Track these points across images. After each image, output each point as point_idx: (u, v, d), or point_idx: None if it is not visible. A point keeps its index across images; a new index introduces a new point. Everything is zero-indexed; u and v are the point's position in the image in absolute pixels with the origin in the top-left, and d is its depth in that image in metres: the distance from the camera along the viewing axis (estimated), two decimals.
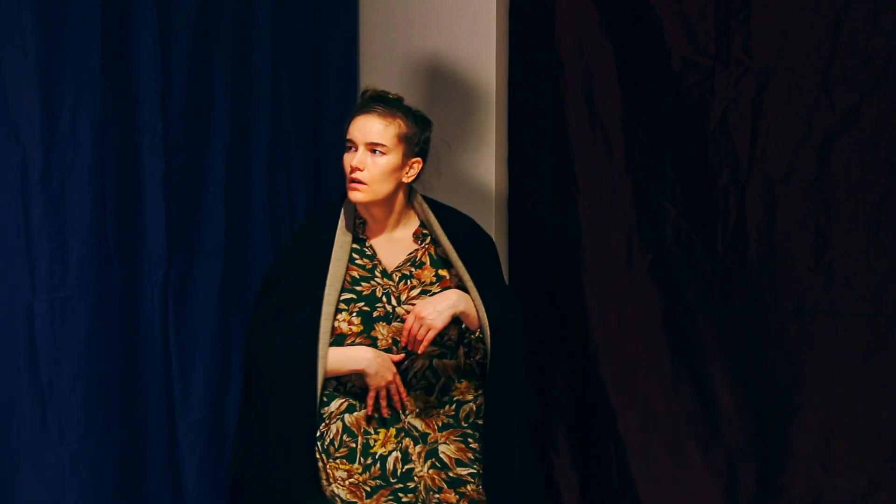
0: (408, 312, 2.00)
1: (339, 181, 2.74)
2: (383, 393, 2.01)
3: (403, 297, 2.04)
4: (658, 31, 2.20)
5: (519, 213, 2.52)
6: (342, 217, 2.06)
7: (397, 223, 2.08)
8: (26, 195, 1.90)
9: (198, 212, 2.28)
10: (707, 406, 2.22)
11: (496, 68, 2.45)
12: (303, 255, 2.07)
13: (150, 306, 2.18)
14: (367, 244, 2.07)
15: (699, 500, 2.22)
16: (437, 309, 1.95)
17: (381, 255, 2.06)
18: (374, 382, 1.99)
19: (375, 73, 2.71)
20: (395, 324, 2.02)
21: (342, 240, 2.04)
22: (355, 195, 1.99)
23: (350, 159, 2.01)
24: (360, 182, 1.97)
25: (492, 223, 2.46)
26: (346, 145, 2.03)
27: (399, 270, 2.06)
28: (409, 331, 1.94)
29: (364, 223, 2.08)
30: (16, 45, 1.87)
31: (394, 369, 2.00)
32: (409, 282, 2.06)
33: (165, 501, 2.26)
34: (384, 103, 2.01)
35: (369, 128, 1.98)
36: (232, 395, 2.40)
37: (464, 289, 2.03)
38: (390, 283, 2.05)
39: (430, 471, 2.04)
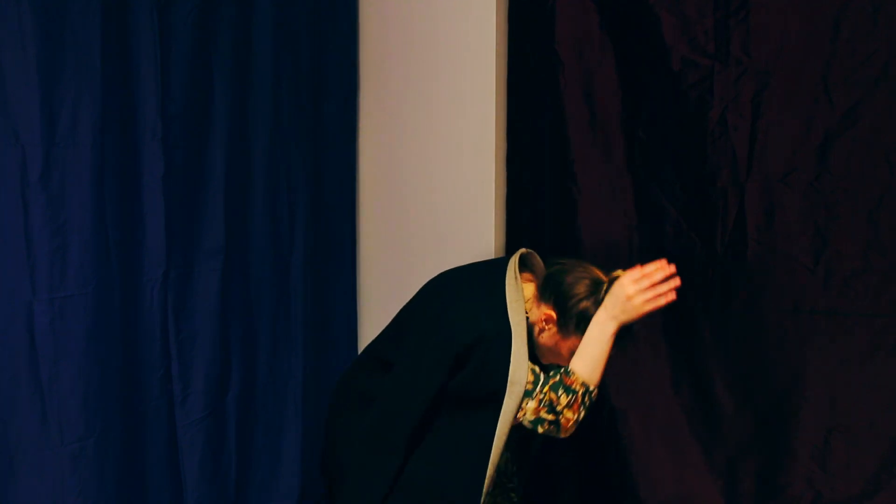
0: None
1: (338, 182, 2.75)
2: (652, 304, 1.89)
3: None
4: (657, 31, 2.20)
5: (519, 213, 2.51)
6: (515, 298, 1.95)
7: None
8: (26, 195, 1.91)
9: (197, 212, 2.28)
10: (707, 406, 2.22)
11: (496, 68, 2.45)
12: None
13: (150, 306, 2.18)
14: None
15: (699, 500, 2.21)
16: None
17: None
18: (634, 315, 1.89)
19: (375, 73, 2.71)
20: None
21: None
22: None
23: None
24: None
25: (492, 223, 2.46)
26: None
27: None
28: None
29: None
30: (16, 45, 1.87)
31: (624, 283, 1.88)
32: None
33: (165, 501, 2.26)
34: None
35: None
36: (232, 395, 2.40)
37: None
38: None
39: None
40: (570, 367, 1.89)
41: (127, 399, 2.14)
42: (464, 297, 1.96)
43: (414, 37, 2.59)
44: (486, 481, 1.87)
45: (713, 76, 2.14)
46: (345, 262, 2.78)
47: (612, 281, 1.91)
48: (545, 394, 1.86)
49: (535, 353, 1.98)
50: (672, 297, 1.89)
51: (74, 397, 2.00)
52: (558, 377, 1.88)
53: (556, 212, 2.39)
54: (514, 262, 1.99)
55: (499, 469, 2.08)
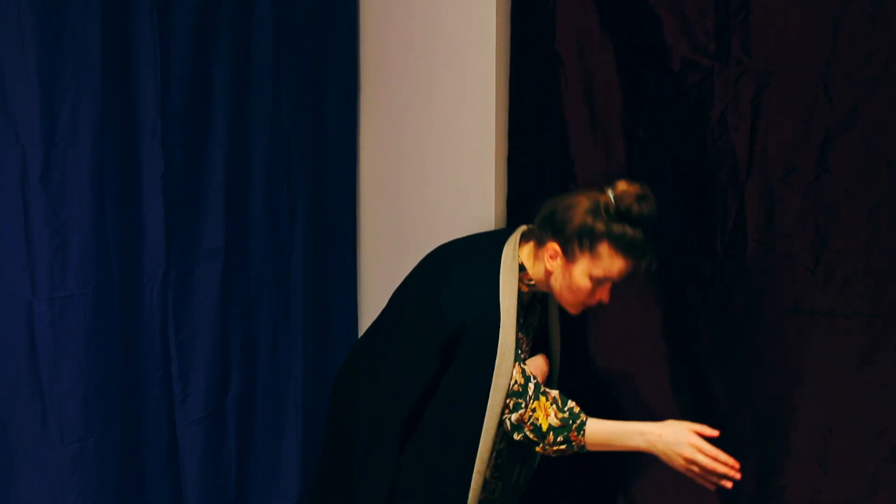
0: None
1: (338, 182, 2.75)
2: (692, 476, 1.82)
3: (524, 347, 2.03)
4: (658, 31, 2.20)
5: (519, 213, 2.51)
6: (509, 279, 1.90)
7: None
8: (26, 195, 1.91)
9: (197, 211, 2.29)
10: (706, 406, 2.22)
11: (496, 68, 2.45)
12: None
13: (150, 306, 2.19)
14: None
15: (698, 501, 2.21)
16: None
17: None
18: (671, 463, 1.83)
19: (375, 73, 2.71)
20: None
21: (509, 304, 1.87)
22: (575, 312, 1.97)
23: (597, 291, 1.90)
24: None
25: (492, 223, 2.46)
26: (598, 277, 1.86)
27: (528, 320, 2.07)
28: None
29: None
30: (16, 45, 1.87)
31: (691, 440, 1.80)
32: (526, 330, 2.05)
33: (165, 501, 2.26)
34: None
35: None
36: (232, 395, 2.40)
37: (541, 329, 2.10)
38: (522, 335, 2.01)
39: None
40: (587, 425, 1.84)
41: (127, 399, 2.14)
42: (456, 280, 1.93)
43: (414, 37, 2.59)
44: (475, 478, 1.85)
45: (713, 76, 2.14)
46: (345, 262, 2.78)
47: (617, 197, 1.82)
48: (536, 418, 1.84)
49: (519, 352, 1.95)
50: (711, 487, 1.83)
51: (74, 397, 2.00)
52: (569, 425, 1.84)
53: None
54: (514, 239, 1.96)
55: (503, 471, 2.09)
